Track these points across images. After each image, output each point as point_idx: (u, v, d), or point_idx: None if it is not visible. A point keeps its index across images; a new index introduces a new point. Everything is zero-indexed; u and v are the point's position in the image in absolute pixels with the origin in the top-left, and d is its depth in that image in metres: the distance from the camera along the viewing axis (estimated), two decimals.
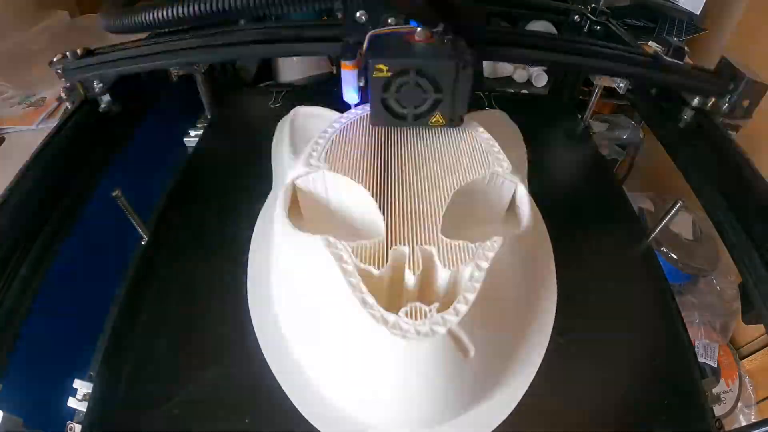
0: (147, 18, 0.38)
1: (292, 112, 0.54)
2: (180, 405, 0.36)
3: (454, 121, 0.41)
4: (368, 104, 0.40)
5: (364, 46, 0.38)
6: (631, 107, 1.08)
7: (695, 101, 0.48)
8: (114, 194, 0.44)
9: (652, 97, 0.55)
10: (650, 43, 0.50)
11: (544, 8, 0.68)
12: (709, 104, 0.48)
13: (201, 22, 0.39)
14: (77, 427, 0.35)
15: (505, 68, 1.14)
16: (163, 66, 0.47)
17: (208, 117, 0.69)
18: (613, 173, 0.62)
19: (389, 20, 0.40)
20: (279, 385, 0.37)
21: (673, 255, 0.98)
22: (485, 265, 0.33)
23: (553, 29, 0.99)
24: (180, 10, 0.38)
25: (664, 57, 0.47)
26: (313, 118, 0.52)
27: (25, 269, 0.34)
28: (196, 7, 0.37)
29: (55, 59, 0.45)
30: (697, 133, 0.49)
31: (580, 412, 0.38)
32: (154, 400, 0.36)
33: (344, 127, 0.43)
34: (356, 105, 0.44)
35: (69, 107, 0.46)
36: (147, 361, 0.39)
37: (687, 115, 0.49)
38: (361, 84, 0.40)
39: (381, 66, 0.36)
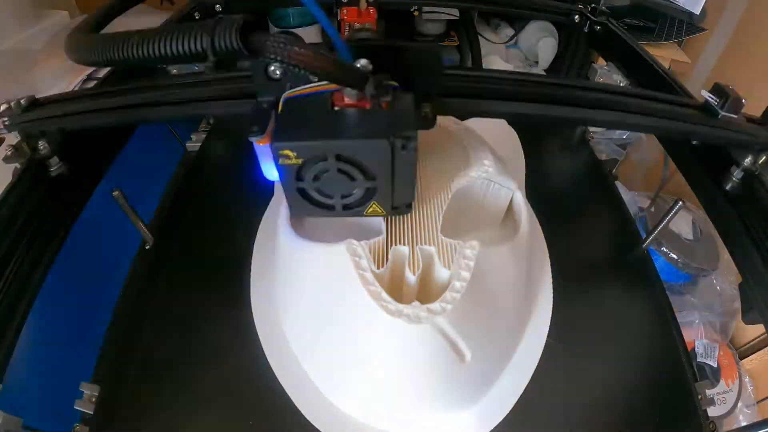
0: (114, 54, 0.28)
1: None
2: (185, 407, 0.36)
3: (399, 210, 0.32)
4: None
5: (278, 112, 0.29)
6: None
7: (747, 160, 0.39)
8: (114, 194, 0.44)
9: (692, 149, 0.45)
10: (702, 92, 0.39)
11: (544, 8, 0.68)
12: (760, 161, 0.39)
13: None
14: (84, 430, 0.35)
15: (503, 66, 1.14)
16: (121, 123, 0.40)
17: (210, 121, 0.69)
18: (611, 177, 0.62)
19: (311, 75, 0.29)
20: (282, 388, 0.37)
21: (673, 255, 0.98)
22: (467, 271, 0.33)
23: (553, 29, 0.99)
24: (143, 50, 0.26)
25: (719, 110, 0.37)
26: None
27: (24, 269, 0.34)
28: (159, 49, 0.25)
29: (0, 108, 0.38)
30: (747, 198, 0.40)
31: (574, 415, 0.38)
32: (160, 403, 0.36)
33: None
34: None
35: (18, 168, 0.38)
36: (152, 363, 0.39)
37: (736, 176, 0.40)
38: None
39: (287, 152, 0.27)
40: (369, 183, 0.29)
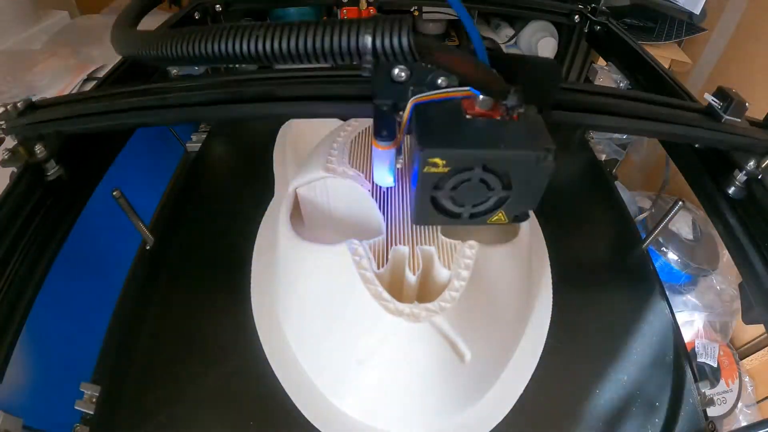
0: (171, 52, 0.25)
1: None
2: (185, 408, 0.36)
3: (519, 218, 0.31)
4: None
5: (405, 117, 0.28)
6: None
7: (750, 164, 0.38)
8: (114, 194, 0.44)
9: (695, 152, 0.44)
10: (705, 95, 0.38)
11: (544, 8, 0.68)
12: (763, 164, 0.38)
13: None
14: (84, 430, 0.35)
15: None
16: (124, 126, 0.36)
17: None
18: (611, 177, 0.62)
19: (440, 80, 0.28)
20: (283, 387, 0.37)
21: (673, 255, 0.98)
22: (466, 270, 0.33)
23: (553, 29, 0.99)
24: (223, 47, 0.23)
25: (722, 114, 0.37)
26: (313, 123, 0.53)
27: (24, 269, 0.34)
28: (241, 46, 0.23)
29: None
30: (750, 201, 0.39)
31: (573, 415, 0.38)
32: (160, 403, 0.37)
33: (354, 132, 0.43)
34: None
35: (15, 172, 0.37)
36: (152, 363, 0.39)
37: (739, 179, 0.39)
38: (399, 166, 0.30)
39: (436, 160, 0.26)
40: (504, 192, 0.28)
